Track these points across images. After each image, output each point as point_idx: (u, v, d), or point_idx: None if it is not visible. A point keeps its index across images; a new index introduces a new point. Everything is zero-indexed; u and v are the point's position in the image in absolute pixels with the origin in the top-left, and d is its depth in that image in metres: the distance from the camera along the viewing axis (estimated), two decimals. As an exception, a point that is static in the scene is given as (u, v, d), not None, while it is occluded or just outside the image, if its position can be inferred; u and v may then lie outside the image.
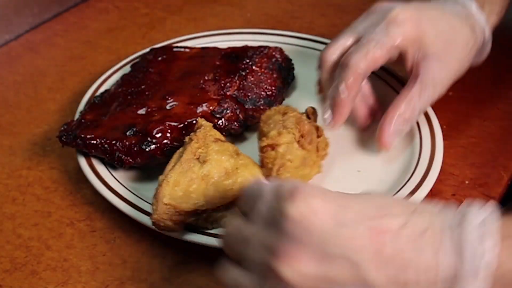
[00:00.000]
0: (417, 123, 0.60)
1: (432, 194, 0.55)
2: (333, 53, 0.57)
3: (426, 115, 0.61)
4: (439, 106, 0.61)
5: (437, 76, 0.55)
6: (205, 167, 0.50)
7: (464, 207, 0.36)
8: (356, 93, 0.55)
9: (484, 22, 0.58)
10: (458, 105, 0.66)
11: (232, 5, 0.88)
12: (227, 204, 0.50)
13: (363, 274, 0.34)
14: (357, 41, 0.56)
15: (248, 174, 0.50)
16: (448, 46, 0.55)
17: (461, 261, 0.33)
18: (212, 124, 0.54)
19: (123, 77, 0.67)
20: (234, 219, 0.41)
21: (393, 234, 0.34)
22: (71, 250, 0.54)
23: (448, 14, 0.57)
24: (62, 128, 0.59)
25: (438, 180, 0.55)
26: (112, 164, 0.57)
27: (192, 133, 0.53)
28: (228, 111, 0.59)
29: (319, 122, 0.57)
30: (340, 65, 0.55)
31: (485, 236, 0.34)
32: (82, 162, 0.58)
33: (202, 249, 0.51)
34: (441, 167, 0.56)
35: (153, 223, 0.49)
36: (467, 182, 0.57)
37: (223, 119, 0.59)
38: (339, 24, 0.67)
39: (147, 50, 0.71)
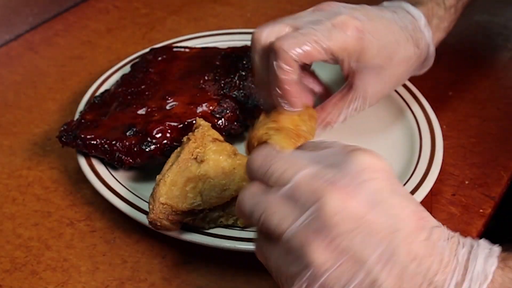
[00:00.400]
0: (417, 123, 0.60)
1: (432, 194, 0.55)
2: (268, 36, 0.52)
3: (426, 115, 0.61)
4: (439, 106, 0.61)
5: (371, 90, 0.55)
6: (202, 167, 0.50)
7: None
8: (296, 72, 0.51)
9: (430, 38, 0.57)
10: (458, 105, 0.66)
11: (232, 5, 0.88)
12: (224, 204, 0.50)
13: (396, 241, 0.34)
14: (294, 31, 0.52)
15: (245, 174, 0.50)
16: (389, 61, 0.54)
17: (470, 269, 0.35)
18: (210, 124, 0.54)
19: (123, 77, 0.67)
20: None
21: (429, 229, 0.35)
22: (71, 250, 0.54)
23: (396, 26, 0.54)
24: (62, 128, 0.59)
25: (438, 180, 0.55)
26: (112, 164, 0.57)
27: (190, 133, 0.53)
28: (228, 111, 0.59)
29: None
30: (273, 47, 0.51)
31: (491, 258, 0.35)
32: (82, 162, 0.58)
33: (202, 249, 0.51)
34: (441, 167, 0.56)
35: (150, 223, 0.49)
36: (467, 182, 0.58)
37: (223, 119, 0.59)
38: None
39: (147, 50, 0.71)
